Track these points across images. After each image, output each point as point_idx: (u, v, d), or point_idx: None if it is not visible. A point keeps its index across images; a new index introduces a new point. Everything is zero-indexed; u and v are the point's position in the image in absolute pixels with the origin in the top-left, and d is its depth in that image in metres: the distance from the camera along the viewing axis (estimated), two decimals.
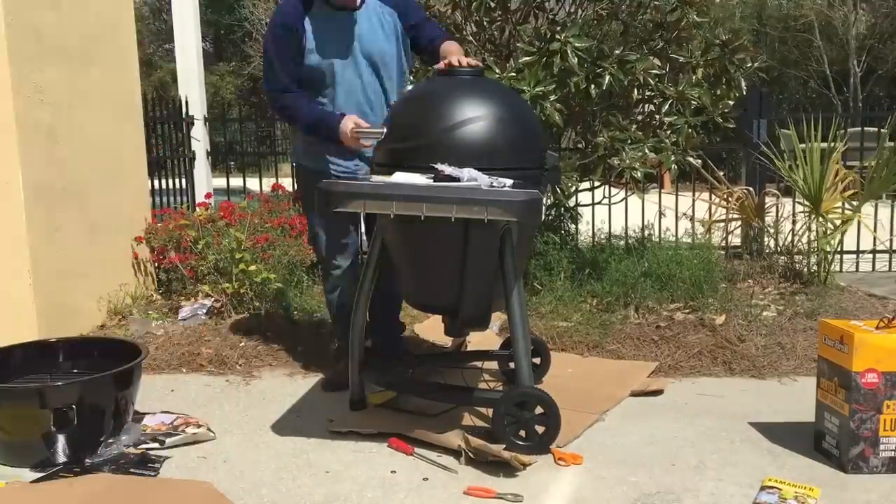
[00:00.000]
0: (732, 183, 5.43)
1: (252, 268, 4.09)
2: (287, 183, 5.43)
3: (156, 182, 5.16)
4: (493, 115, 2.68)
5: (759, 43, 19.75)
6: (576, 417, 2.84)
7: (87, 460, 2.57)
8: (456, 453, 2.58)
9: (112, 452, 2.61)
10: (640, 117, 4.50)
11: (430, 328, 3.82)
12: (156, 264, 4.58)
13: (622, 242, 5.04)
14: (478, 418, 2.88)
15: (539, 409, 2.60)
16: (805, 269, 4.79)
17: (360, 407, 2.98)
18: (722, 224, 5.29)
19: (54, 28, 3.79)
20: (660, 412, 3.03)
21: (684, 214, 5.34)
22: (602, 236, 5.14)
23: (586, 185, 4.83)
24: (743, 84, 4.41)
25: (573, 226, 5.03)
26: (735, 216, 5.19)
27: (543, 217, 3.21)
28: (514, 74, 3.97)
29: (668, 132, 4.31)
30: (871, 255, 5.51)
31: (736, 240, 5.52)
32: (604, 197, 5.02)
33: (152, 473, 2.51)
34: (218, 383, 3.42)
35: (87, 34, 4.06)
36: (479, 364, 3.36)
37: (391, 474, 2.50)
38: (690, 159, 4.38)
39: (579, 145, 4.70)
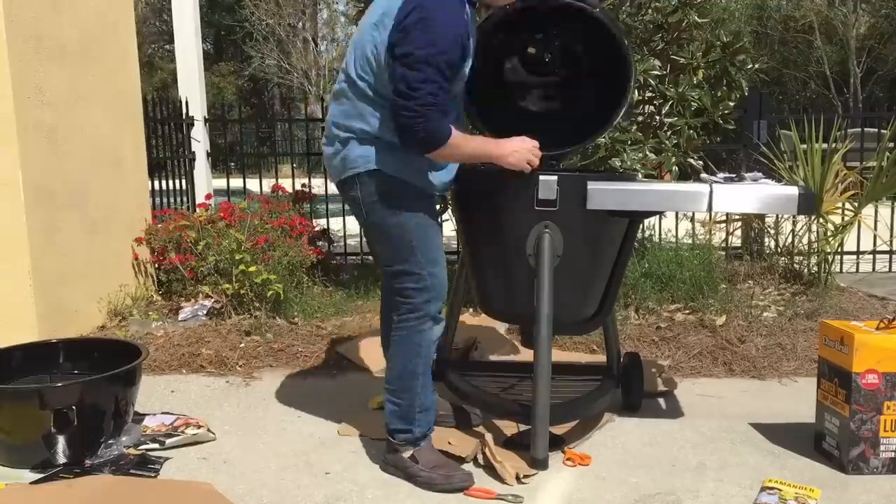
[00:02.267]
0: None
1: (252, 269, 4.08)
2: (287, 184, 5.43)
3: (156, 183, 5.16)
4: None
5: (760, 44, 19.75)
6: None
7: (87, 461, 2.57)
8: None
9: (112, 453, 2.61)
10: (640, 118, 4.50)
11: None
12: (156, 265, 4.58)
13: None
14: (498, 428, 2.85)
15: None
16: (805, 270, 4.79)
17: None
18: (722, 225, 5.29)
19: (54, 29, 3.79)
20: (660, 413, 3.03)
21: (685, 215, 5.34)
22: None
23: None
24: (745, 85, 4.41)
25: None
26: (736, 217, 5.19)
27: None
28: None
29: (669, 133, 4.31)
30: (871, 256, 5.51)
31: (736, 241, 5.52)
32: None
33: (152, 474, 2.51)
34: (218, 384, 3.42)
35: (87, 34, 4.06)
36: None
37: (391, 475, 2.49)
38: (691, 160, 4.38)
39: None
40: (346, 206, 2.53)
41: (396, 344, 2.48)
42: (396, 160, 2.35)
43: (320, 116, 5.94)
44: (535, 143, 2.47)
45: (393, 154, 2.34)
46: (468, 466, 2.52)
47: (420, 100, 2.18)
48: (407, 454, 2.48)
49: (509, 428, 2.77)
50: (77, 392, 2.57)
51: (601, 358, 3.31)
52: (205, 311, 4.15)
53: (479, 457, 2.56)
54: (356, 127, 2.37)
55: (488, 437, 2.63)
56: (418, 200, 2.40)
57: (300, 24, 25.30)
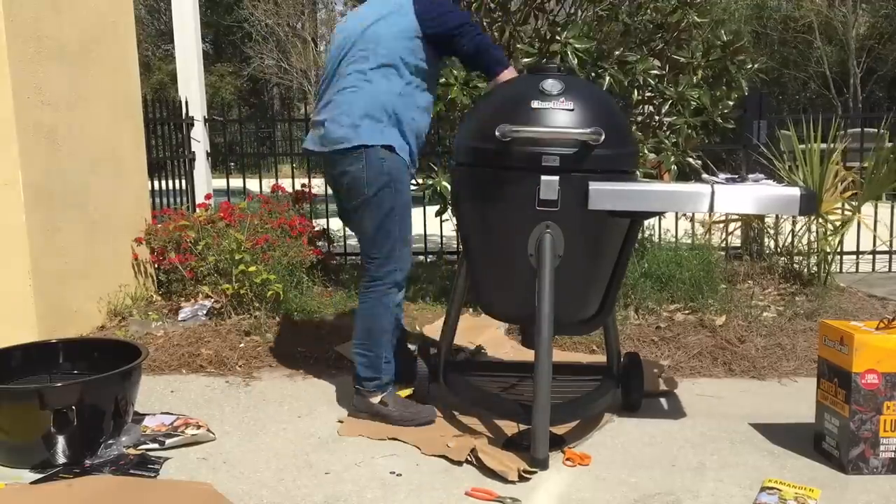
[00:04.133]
0: None
1: (252, 269, 4.08)
2: (287, 184, 5.42)
3: (156, 183, 5.16)
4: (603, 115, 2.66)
5: (760, 44, 19.76)
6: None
7: (86, 461, 2.57)
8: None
9: (112, 453, 2.61)
10: (640, 118, 4.50)
11: (437, 329, 3.81)
12: (156, 265, 4.58)
13: None
14: (496, 427, 2.85)
15: None
16: (805, 270, 4.79)
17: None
18: (722, 225, 5.29)
19: (54, 29, 3.78)
20: (660, 413, 3.03)
21: (684, 215, 5.34)
22: None
23: None
24: (744, 85, 4.41)
25: None
26: (735, 217, 5.19)
27: None
28: None
29: (668, 133, 4.31)
30: (870, 256, 5.51)
31: (736, 240, 5.52)
32: None
33: (152, 474, 2.51)
34: (218, 384, 3.42)
35: (87, 34, 4.06)
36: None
37: (391, 475, 2.50)
38: (690, 160, 4.38)
39: None
40: (340, 179, 2.79)
41: (367, 304, 2.82)
42: (398, 136, 2.73)
43: None
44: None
45: (396, 130, 2.73)
46: (466, 468, 2.53)
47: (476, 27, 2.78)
48: (375, 400, 2.85)
49: (509, 428, 2.77)
50: (77, 392, 2.57)
51: (601, 358, 3.32)
52: (204, 311, 4.15)
53: (473, 458, 2.55)
54: (370, 111, 2.69)
55: (482, 440, 2.64)
56: (406, 182, 2.77)
57: (299, 24, 25.30)
